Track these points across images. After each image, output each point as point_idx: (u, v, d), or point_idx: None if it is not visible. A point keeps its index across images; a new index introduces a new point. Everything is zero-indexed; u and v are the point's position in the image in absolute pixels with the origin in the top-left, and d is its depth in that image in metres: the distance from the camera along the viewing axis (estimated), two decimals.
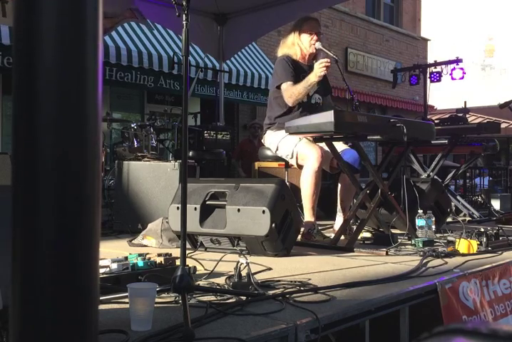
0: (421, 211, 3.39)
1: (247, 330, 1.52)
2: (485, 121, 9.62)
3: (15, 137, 0.93)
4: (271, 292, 1.95)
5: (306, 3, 5.30)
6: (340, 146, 3.58)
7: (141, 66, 7.58)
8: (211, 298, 1.86)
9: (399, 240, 3.16)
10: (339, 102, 7.52)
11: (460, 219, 4.45)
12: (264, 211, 2.69)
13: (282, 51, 3.83)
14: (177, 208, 2.85)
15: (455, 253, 2.92)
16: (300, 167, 3.53)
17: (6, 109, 8.02)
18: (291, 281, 2.13)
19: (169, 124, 5.07)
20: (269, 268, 2.43)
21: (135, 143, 4.67)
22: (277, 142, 3.68)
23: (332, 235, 3.36)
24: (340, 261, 2.75)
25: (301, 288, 2.01)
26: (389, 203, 3.44)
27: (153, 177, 3.85)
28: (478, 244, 3.04)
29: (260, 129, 6.84)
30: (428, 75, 9.03)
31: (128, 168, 3.97)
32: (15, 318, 0.90)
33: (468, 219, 5.13)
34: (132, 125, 4.78)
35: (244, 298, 1.87)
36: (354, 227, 3.43)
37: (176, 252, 2.13)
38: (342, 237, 3.30)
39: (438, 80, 8.98)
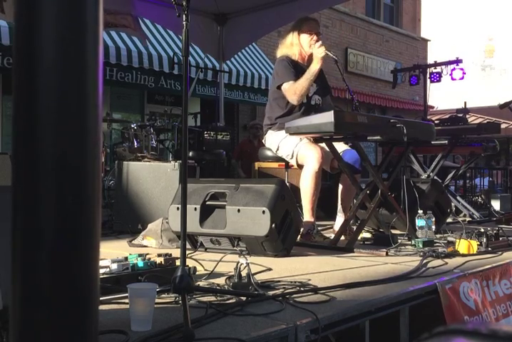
0: (421, 211, 3.38)
1: (247, 330, 1.52)
2: (485, 121, 9.63)
3: (15, 137, 0.93)
4: (271, 292, 1.95)
5: (306, 4, 5.30)
6: (340, 146, 3.58)
7: (141, 66, 7.58)
8: (211, 298, 1.86)
9: (399, 240, 3.16)
10: (339, 102, 7.52)
11: (460, 219, 4.45)
12: (264, 212, 2.69)
13: (281, 52, 3.82)
14: (177, 208, 2.85)
15: (455, 253, 2.92)
16: (300, 167, 3.53)
17: (6, 109, 8.02)
18: (291, 282, 2.13)
19: (169, 124, 5.07)
20: (269, 269, 2.43)
21: (135, 143, 4.67)
22: (277, 142, 3.68)
23: (332, 235, 3.36)
24: (340, 261, 2.74)
25: (301, 289, 2.01)
26: (389, 203, 3.44)
27: (153, 178, 3.85)
28: (478, 245, 3.03)
29: (261, 129, 6.84)
30: (428, 76, 9.04)
31: (128, 168, 3.97)
32: (15, 318, 0.90)
33: (468, 219, 5.13)
34: (133, 126, 4.77)
35: (244, 298, 1.86)
36: (354, 228, 3.43)
37: (176, 252, 2.13)
38: (342, 238, 3.30)
39: (438, 81, 8.99)
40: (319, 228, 3.59)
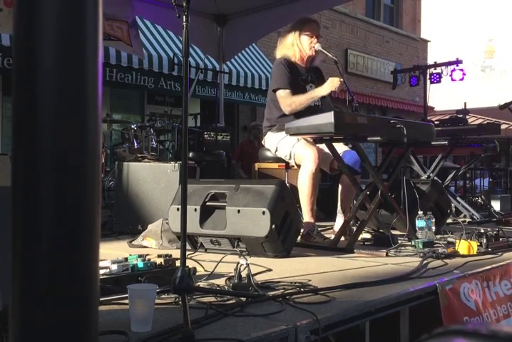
0: (421, 212, 3.38)
1: (247, 331, 1.52)
2: (485, 122, 9.61)
3: (15, 137, 0.93)
4: (271, 293, 1.95)
5: (306, 5, 5.30)
6: (340, 147, 3.57)
7: (141, 67, 7.59)
8: (211, 299, 1.86)
9: (399, 241, 3.16)
10: (338, 103, 7.51)
11: (460, 220, 4.45)
12: (264, 213, 2.69)
13: (280, 52, 3.81)
14: (177, 209, 2.85)
15: (455, 254, 2.92)
16: (300, 167, 3.53)
17: (6, 110, 8.03)
18: (291, 282, 2.12)
19: (169, 125, 5.08)
20: (269, 270, 2.43)
21: (135, 144, 4.67)
22: (276, 143, 3.68)
23: (332, 236, 3.36)
24: (340, 262, 2.74)
25: (302, 290, 2.01)
26: (389, 204, 3.43)
27: (153, 178, 3.85)
28: (478, 245, 3.03)
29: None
30: (428, 76, 9.04)
31: (128, 169, 3.97)
32: (15, 318, 0.90)
33: (468, 220, 5.13)
34: (133, 126, 4.78)
35: (244, 299, 1.86)
36: (354, 228, 3.43)
37: (176, 253, 2.13)
38: (342, 238, 3.30)
39: (438, 81, 8.99)
40: (319, 229, 3.59)
